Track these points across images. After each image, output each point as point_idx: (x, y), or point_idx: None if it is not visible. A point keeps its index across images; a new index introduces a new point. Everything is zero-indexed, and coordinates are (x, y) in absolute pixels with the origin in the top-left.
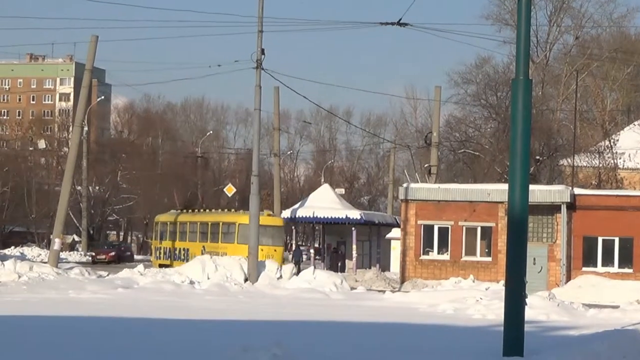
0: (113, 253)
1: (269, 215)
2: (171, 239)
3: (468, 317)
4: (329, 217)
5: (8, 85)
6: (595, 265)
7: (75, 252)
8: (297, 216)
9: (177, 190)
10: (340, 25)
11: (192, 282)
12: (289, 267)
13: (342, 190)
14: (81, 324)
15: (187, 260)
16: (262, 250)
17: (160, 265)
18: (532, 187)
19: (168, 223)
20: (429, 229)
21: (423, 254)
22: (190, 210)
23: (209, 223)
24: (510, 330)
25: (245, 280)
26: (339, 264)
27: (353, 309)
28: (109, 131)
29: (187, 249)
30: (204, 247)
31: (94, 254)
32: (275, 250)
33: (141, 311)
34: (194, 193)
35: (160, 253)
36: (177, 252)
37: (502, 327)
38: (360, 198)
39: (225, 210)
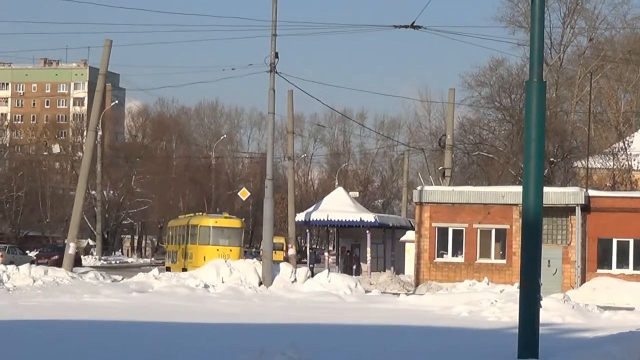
0: (56, 257)
1: (226, 217)
2: (170, 242)
3: (483, 320)
4: (343, 220)
5: (22, 90)
6: (610, 267)
7: (90, 256)
8: (311, 219)
9: (191, 194)
10: (354, 28)
11: (206, 286)
12: (304, 271)
13: (356, 194)
14: (96, 328)
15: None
16: (217, 250)
17: (167, 269)
18: (546, 189)
19: (172, 228)
20: (443, 232)
21: (437, 257)
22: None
23: (184, 226)
24: (525, 333)
25: (260, 283)
26: (354, 267)
27: (367, 312)
28: (123, 135)
29: (176, 252)
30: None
31: (34, 257)
32: (230, 251)
33: (156, 315)
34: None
35: (167, 257)
36: (173, 255)
37: (517, 330)
38: (375, 201)
39: (202, 213)
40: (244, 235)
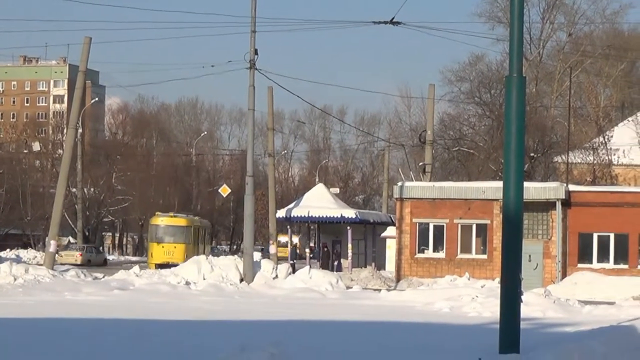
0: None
1: (172, 216)
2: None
3: (464, 315)
4: (324, 216)
5: (2, 87)
6: (590, 262)
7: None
8: (292, 216)
9: (172, 191)
10: (334, 25)
11: (187, 283)
12: (285, 267)
13: (337, 190)
14: (77, 326)
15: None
16: (163, 247)
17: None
18: (526, 184)
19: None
20: (424, 227)
21: (418, 252)
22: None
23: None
24: (506, 328)
25: (241, 280)
26: (336, 263)
27: (349, 308)
28: (104, 133)
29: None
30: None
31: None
32: (175, 247)
33: (137, 313)
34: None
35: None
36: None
37: (498, 325)
38: (355, 197)
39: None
40: (205, 232)
